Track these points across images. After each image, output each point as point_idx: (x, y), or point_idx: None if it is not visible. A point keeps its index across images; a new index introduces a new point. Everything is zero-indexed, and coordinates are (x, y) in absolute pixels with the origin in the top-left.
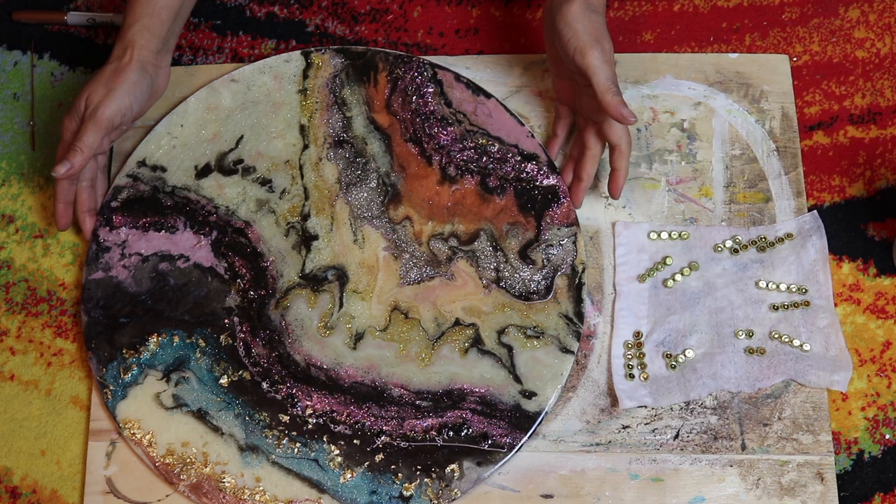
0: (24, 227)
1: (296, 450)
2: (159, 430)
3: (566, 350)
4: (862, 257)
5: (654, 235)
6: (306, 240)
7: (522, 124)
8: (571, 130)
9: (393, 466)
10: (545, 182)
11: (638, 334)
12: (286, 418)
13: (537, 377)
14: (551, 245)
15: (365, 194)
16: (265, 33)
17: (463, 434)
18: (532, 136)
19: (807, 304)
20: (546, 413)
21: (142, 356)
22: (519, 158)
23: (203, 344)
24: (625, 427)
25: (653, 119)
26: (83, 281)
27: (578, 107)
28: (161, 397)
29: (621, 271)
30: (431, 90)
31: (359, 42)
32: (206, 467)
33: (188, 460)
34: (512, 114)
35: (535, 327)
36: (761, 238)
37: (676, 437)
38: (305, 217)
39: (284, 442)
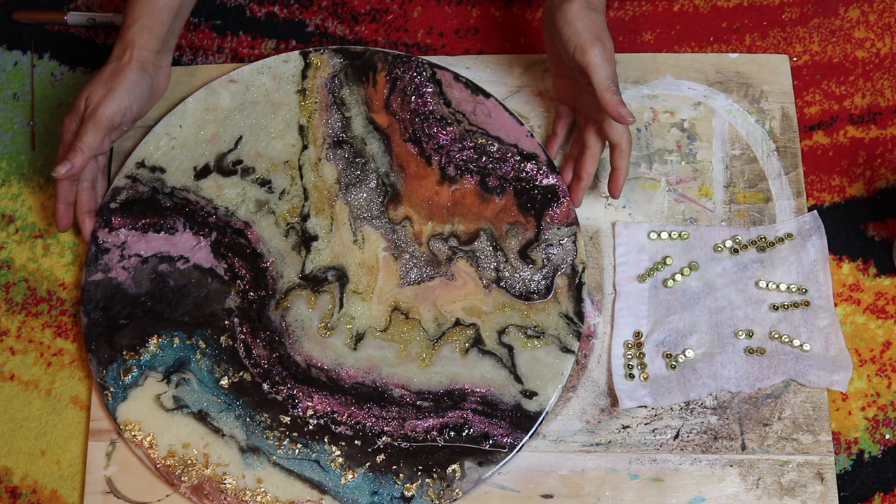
0: (24, 227)
1: (297, 451)
2: (160, 431)
3: (567, 350)
4: (862, 257)
5: (654, 235)
6: (306, 240)
7: (522, 124)
8: (571, 130)
9: (394, 467)
10: (545, 182)
11: (638, 334)
12: (287, 419)
13: (538, 377)
14: (551, 245)
15: (364, 194)
16: (265, 33)
17: (464, 434)
18: (531, 135)
19: (807, 304)
20: (547, 413)
21: (142, 358)
22: (518, 158)
23: (203, 345)
24: (625, 427)
25: (653, 119)
26: (83, 282)
27: (579, 105)
28: (161, 399)
29: (621, 271)
30: (430, 90)
31: (359, 42)
32: (207, 469)
33: (189, 462)
34: (511, 113)
35: (535, 327)
36: (761, 238)
37: (676, 437)
38: (305, 218)
39: (285, 443)
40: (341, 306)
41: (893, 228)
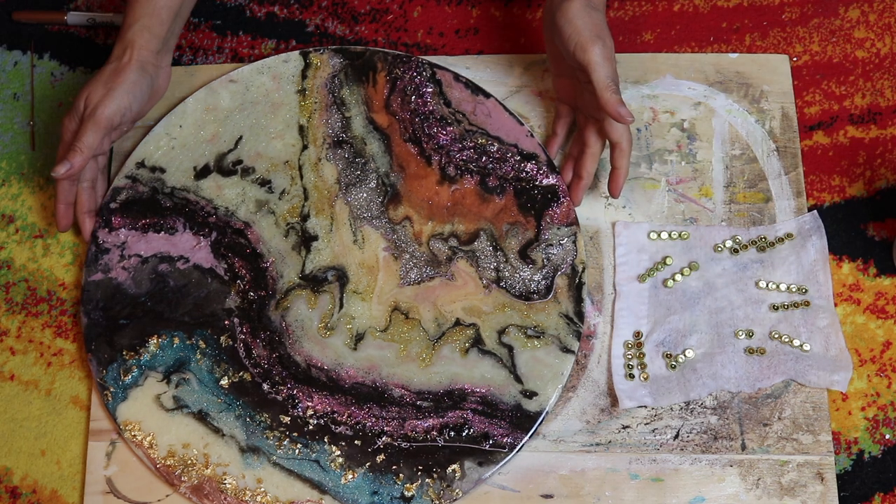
0: (24, 227)
1: (297, 451)
2: (160, 431)
3: (567, 350)
4: (862, 257)
5: (654, 235)
6: (306, 240)
7: (522, 124)
8: (571, 130)
9: (394, 467)
10: (545, 181)
11: (638, 334)
12: (287, 419)
13: (538, 377)
14: (551, 245)
15: (364, 194)
16: (265, 33)
17: (464, 434)
18: (531, 135)
19: (807, 304)
20: (547, 413)
21: (142, 358)
22: (518, 158)
23: (203, 345)
24: (625, 427)
25: (653, 119)
26: (83, 282)
27: (579, 104)
28: (161, 399)
29: (621, 271)
30: (430, 90)
31: (359, 42)
32: (207, 468)
33: (189, 462)
34: (511, 113)
35: (535, 327)
36: (761, 238)
37: (676, 437)
38: (305, 218)
39: (285, 443)
40: (341, 306)
41: (893, 228)
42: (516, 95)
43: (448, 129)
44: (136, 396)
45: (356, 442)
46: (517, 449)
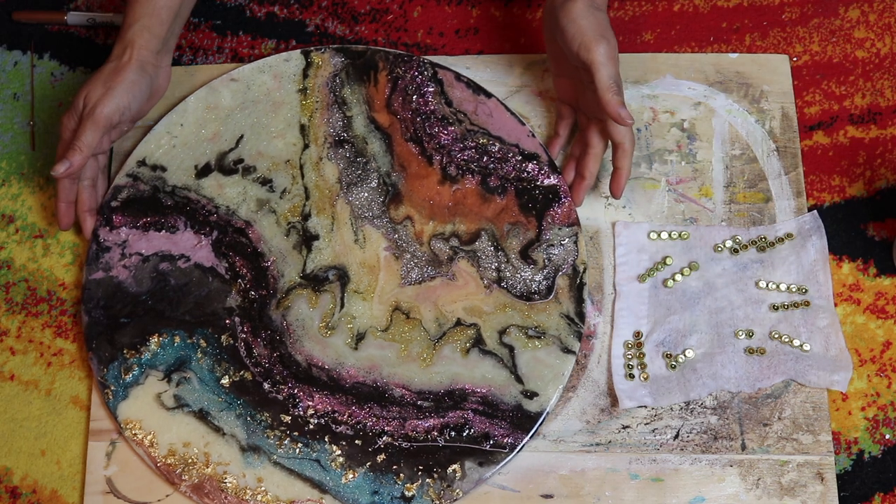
0: (24, 227)
1: (297, 450)
2: (161, 430)
3: (567, 350)
4: (862, 257)
5: (654, 235)
6: (307, 240)
7: (523, 124)
8: (573, 130)
9: (395, 467)
10: (546, 182)
11: (638, 334)
12: (288, 419)
13: (539, 377)
14: (552, 245)
15: (366, 194)
16: (265, 33)
17: (465, 434)
18: (533, 135)
19: (807, 304)
20: (547, 413)
21: (143, 356)
22: (520, 158)
23: (204, 344)
24: (625, 427)
25: (653, 119)
26: (83, 281)
27: (581, 104)
28: (162, 397)
29: (621, 271)
30: (432, 89)
31: (359, 42)
32: (207, 468)
33: (190, 461)
34: (513, 113)
35: (536, 327)
36: (761, 238)
37: (676, 437)
38: (306, 217)
39: (286, 442)
40: (342, 306)
41: (893, 228)
42: (516, 95)
43: (449, 128)
44: (137, 395)
45: (357, 441)
46: (517, 449)
